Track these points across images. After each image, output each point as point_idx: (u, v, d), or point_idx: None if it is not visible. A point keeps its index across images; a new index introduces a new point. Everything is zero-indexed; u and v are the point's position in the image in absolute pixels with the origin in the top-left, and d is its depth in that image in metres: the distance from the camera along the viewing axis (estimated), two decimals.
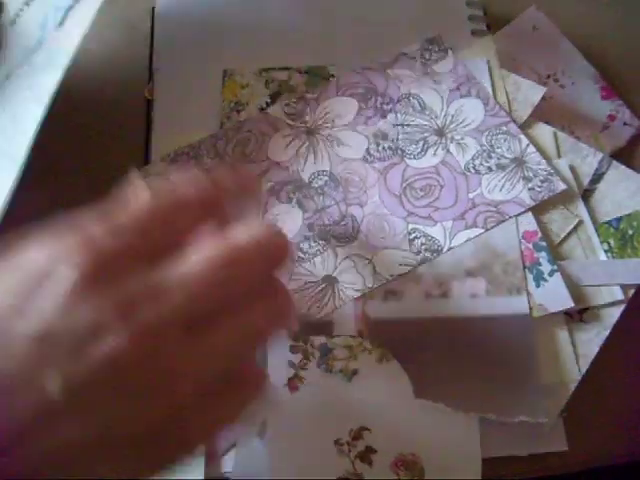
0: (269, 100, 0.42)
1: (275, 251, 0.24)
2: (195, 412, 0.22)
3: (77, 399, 0.20)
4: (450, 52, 0.42)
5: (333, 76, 0.42)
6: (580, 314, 0.36)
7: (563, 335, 0.35)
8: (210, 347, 0.22)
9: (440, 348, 0.35)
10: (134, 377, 0.20)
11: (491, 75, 0.41)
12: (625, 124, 0.41)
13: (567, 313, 0.35)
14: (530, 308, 0.35)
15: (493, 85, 0.41)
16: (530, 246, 0.36)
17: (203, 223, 0.23)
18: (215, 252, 0.22)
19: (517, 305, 0.35)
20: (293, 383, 0.35)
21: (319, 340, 0.35)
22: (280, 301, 0.24)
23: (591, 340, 0.35)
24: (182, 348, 0.21)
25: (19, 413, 0.19)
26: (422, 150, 0.40)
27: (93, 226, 0.22)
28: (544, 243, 0.36)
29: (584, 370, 0.34)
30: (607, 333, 0.35)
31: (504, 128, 0.40)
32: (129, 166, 0.28)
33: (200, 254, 0.22)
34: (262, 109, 0.41)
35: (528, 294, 0.35)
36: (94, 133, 0.42)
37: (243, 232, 0.23)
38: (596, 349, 0.35)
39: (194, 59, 0.44)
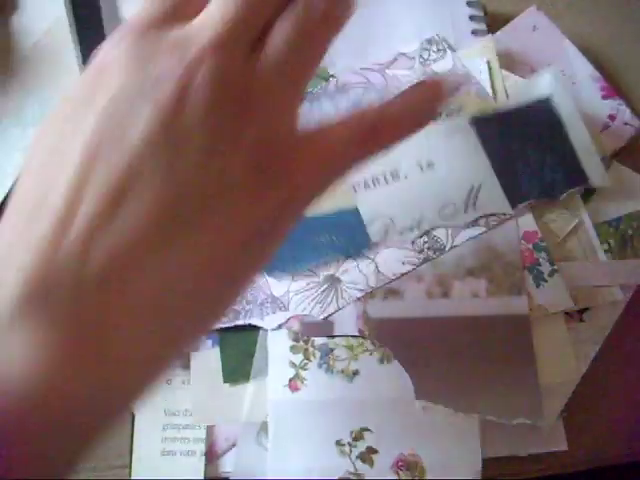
0: None
1: None
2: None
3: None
4: (449, 52, 0.42)
5: (333, 76, 0.42)
6: (580, 314, 0.36)
7: (563, 335, 0.35)
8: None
9: (441, 348, 0.35)
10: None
11: (491, 75, 0.41)
12: (625, 124, 0.41)
13: (567, 313, 0.35)
14: (530, 309, 0.35)
15: (493, 85, 0.41)
16: (530, 247, 0.36)
17: None
18: None
19: (517, 305, 0.35)
20: (294, 383, 0.34)
21: (320, 340, 0.35)
22: None
23: (591, 340, 0.35)
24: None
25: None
26: None
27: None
28: (544, 243, 0.36)
29: (584, 370, 0.34)
30: (607, 333, 0.35)
31: None
32: None
33: None
34: None
35: (528, 294, 0.35)
36: None
37: None
38: (596, 349, 0.35)
39: None
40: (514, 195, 0.37)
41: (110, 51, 0.21)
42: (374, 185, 0.38)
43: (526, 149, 0.38)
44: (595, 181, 0.37)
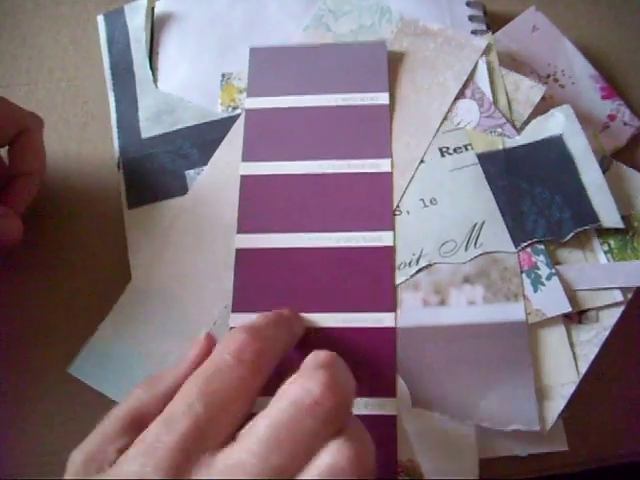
0: None
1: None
2: None
3: None
4: None
5: None
6: (579, 315, 0.36)
7: (562, 336, 0.35)
8: None
9: (437, 356, 0.34)
10: None
11: (491, 75, 0.41)
12: (625, 124, 0.41)
13: (566, 315, 0.35)
14: (527, 313, 0.35)
15: (493, 85, 0.41)
16: (528, 250, 0.36)
17: None
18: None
19: (514, 312, 0.35)
20: None
21: None
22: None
23: (590, 341, 0.35)
24: None
25: None
26: None
27: None
28: (542, 246, 0.36)
29: (583, 371, 0.34)
30: (607, 334, 0.35)
31: (500, 130, 0.39)
32: None
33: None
34: None
35: (525, 299, 0.35)
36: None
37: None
38: (595, 350, 0.35)
39: (192, 61, 0.44)
40: (518, 233, 0.36)
41: None
42: None
43: (534, 187, 0.37)
44: (607, 222, 0.36)
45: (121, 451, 0.25)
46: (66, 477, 0.25)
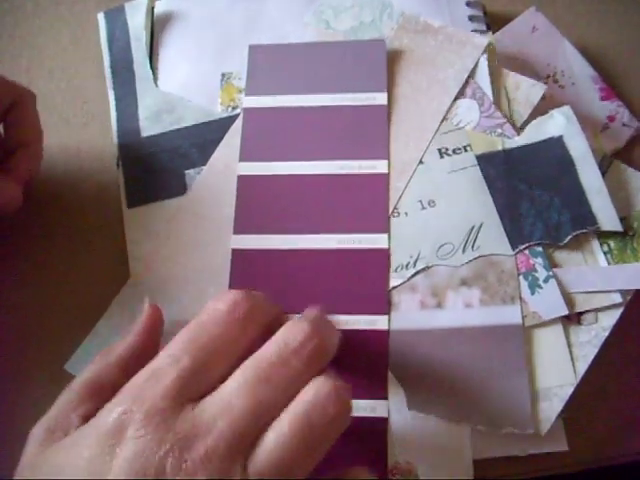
0: None
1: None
2: None
3: None
4: None
5: None
6: (578, 316, 0.36)
7: (560, 338, 0.35)
8: None
9: (433, 359, 0.34)
10: None
11: (491, 75, 0.41)
12: (624, 125, 0.41)
13: (565, 316, 0.35)
14: (524, 316, 0.35)
15: (493, 85, 0.41)
16: (526, 252, 0.36)
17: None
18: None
19: (511, 315, 0.35)
20: None
21: None
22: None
23: (589, 342, 0.35)
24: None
25: None
26: None
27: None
28: (540, 248, 0.36)
29: (582, 372, 0.34)
30: (606, 335, 0.35)
31: (499, 130, 0.39)
32: None
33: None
34: None
35: (522, 302, 0.35)
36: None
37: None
38: (595, 351, 0.35)
39: (192, 61, 0.44)
40: (516, 236, 0.36)
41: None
42: None
43: (533, 189, 0.37)
44: (605, 225, 0.36)
45: (84, 417, 0.25)
46: (28, 449, 0.25)
